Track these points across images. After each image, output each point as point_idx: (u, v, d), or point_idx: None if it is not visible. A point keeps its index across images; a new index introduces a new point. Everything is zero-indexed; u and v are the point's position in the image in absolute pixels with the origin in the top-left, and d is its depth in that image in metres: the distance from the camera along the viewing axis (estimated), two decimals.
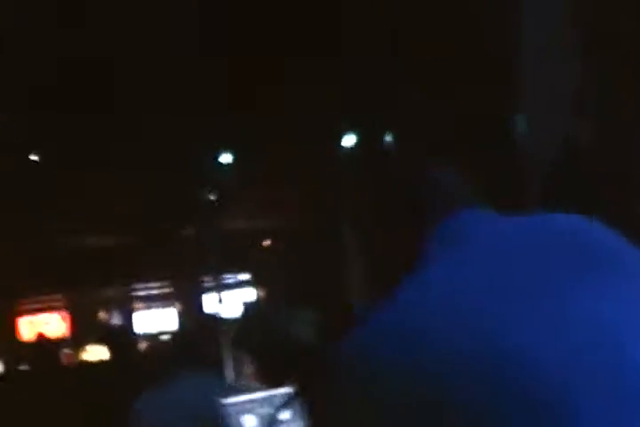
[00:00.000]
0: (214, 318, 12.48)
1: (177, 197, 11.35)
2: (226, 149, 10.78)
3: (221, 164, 10.86)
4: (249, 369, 8.09)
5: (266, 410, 2.64)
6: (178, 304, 17.01)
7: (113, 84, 8.27)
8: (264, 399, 2.69)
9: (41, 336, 14.16)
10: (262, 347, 7.12)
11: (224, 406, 2.75)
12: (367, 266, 1.57)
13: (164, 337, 13.66)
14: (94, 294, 17.49)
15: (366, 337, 1.20)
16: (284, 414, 2.61)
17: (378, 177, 1.59)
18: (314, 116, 9.08)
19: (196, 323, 12.34)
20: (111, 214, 11.98)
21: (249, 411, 2.76)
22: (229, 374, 7.46)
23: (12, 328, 17.95)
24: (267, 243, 15.12)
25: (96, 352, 11.52)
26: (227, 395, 2.77)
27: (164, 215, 11.89)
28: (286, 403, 2.61)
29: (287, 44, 7.80)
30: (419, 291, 1.22)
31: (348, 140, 10.45)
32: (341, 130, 10.43)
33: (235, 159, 10.85)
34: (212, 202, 11.64)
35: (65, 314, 18.20)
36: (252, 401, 2.78)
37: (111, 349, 7.37)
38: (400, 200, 1.44)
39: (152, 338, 14.02)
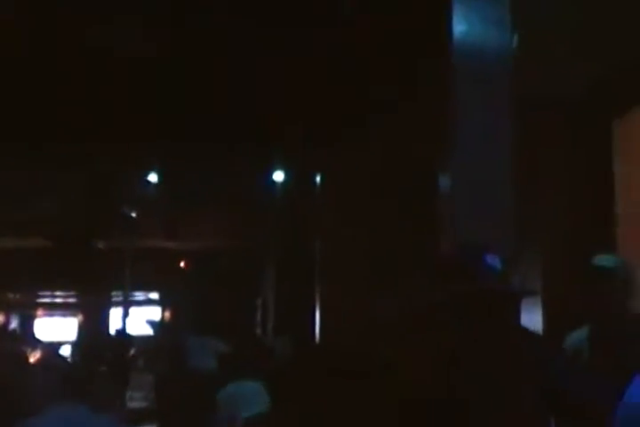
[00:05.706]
0: (117, 334, 12.35)
1: (99, 209, 11.27)
2: (154, 169, 10.77)
3: (148, 182, 10.84)
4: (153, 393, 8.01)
5: None
6: (81, 316, 16.73)
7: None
8: None
9: None
10: (166, 374, 7.08)
11: None
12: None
13: (63, 347, 13.42)
14: None
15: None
16: None
17: None
18: (245, 147, 9.18)
19: (97, 337, 12.21)
20: (26, 218, 11.79)
21: None
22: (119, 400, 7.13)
23: None
24: (182, 264, 15.06)
25: None
26: None
27: (81, 225, 11.77)
28: None
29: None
30: None
31: (278, 176, 10.59)
32: (272, 165, 10.54)
33: (161, 179, 10.84)
34: (133, 219, 11.59)
35: None
36: None
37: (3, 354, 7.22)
38: None
39: (49, 347, 13.75)
